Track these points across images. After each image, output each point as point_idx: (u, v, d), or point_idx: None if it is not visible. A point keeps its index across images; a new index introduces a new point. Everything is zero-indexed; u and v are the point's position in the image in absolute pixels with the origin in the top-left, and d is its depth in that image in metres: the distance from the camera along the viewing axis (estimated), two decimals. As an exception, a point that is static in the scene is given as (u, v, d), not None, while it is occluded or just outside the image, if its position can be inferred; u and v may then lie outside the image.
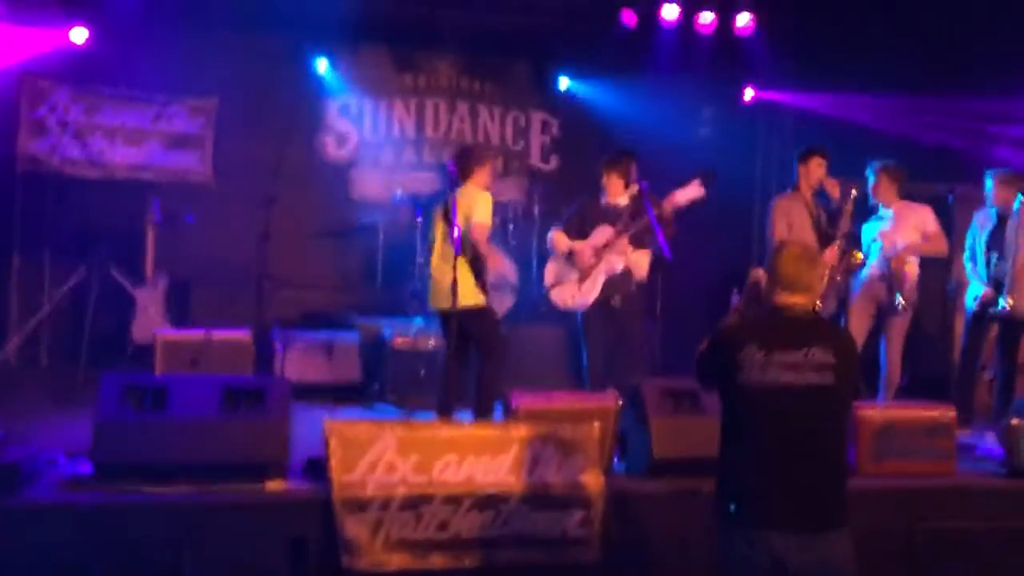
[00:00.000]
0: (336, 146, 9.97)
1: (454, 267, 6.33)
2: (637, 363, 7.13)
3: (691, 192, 7.02)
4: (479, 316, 6.59)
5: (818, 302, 3.98)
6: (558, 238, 7.34)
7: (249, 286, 8.48)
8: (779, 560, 3.62)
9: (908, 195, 7.58)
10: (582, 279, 7.21)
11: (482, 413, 6.44)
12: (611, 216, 7.20)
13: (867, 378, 7.39)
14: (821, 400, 3.68)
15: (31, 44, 8.65)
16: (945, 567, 5.61)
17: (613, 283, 7.15)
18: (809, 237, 7.52)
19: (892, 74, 8.78)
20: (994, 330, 7.52)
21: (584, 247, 7.21)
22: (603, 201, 7.30)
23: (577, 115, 10.41)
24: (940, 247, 7.53)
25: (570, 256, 7.26)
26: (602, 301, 7.16)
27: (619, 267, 7.10)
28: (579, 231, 7.27)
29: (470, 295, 6.54)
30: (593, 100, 10.30)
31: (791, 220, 7.51)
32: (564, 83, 10.44)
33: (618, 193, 7.23)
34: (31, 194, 8.96)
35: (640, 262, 7.18)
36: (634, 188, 7.20)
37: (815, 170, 7.56)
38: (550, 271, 7.38)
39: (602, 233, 7.19)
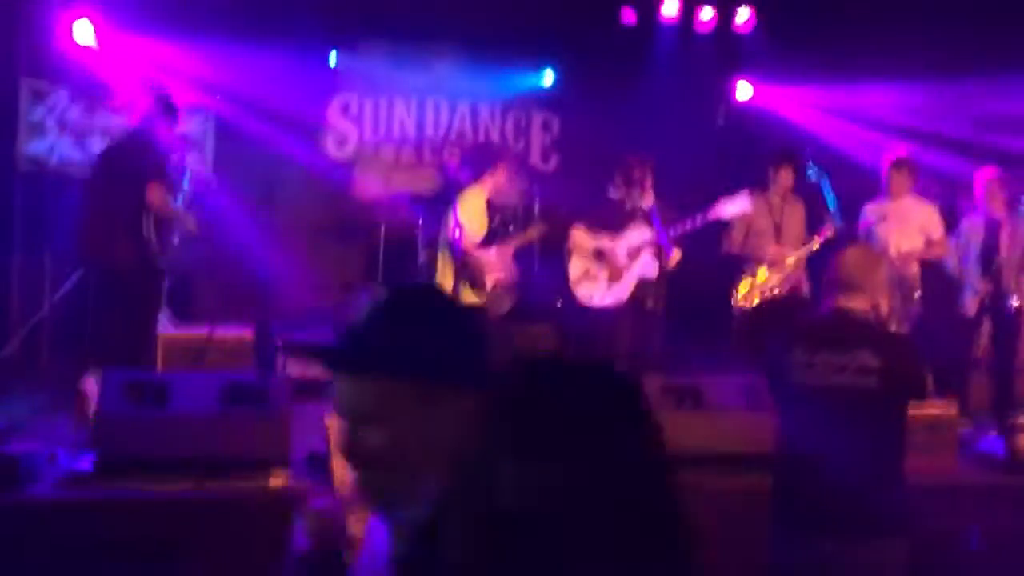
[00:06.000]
0: (336, 145, 9.96)
1: (439, 263, 6.77)
2: (656, 365, 7.09)
3: (740, 204, 7.03)
4: None
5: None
6: (582, 236, 7.25)
7: (250, 286, 8.47)
8: (827, 564, 3.59)
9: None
10: (613, 278, 7.13)
11: None
12: (640, 216, 7.11)
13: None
14: (864, 404, 3.63)
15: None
16: (946, 563, 5.60)
17: (647, 285, 7.07)
18: (768, 245, 7.55)
19: (895, 67, 8.75)
20: (988, 327, 7.52)
21: (616, 246, 7.15)
22: (629, 202, 7.21)
23: (577, 114, 10.40)
24: (942, 252, 7.54)
25: (598, 253, 7.19)
26: (633, 301, 7.10)
27: (654, 272, 6.99)
28: (604, 229, 7.21)
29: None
30: (594, 99, 10.28)
31: (750, 225, 7.52)
32: (564, 82, 10.42)
33: (647, 192, 7.12)
34: (31, 194, 8.95)
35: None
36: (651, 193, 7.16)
37: (784, 179, 7.59)
38: (576, 266, 7.26)
39: (637, 234, 7.12)
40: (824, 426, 3.66)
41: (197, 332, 7.36)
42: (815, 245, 7.52)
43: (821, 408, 3.66)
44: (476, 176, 7.05)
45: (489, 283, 7.00)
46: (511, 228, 8.90)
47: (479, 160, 7.19)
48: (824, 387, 3.64)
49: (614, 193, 7.38)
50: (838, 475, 3.61)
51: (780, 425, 3.86)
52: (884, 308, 3.88)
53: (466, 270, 6.72)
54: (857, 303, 3.77)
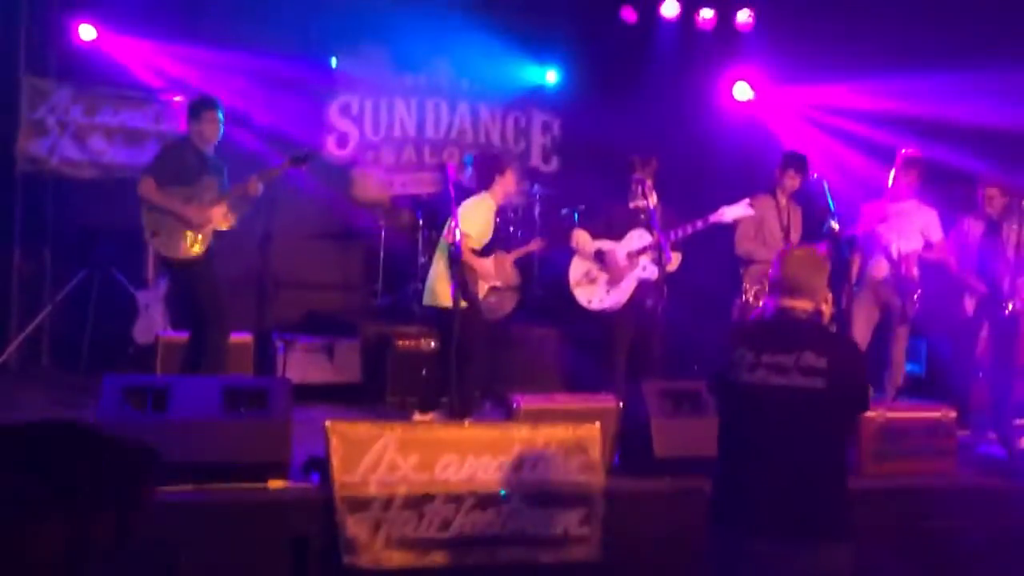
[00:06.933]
0: (337, 146, 9.96)
1: (438, 266, 6.80)
2: (657, 367, 7.10)
3: (741, 209, 7.05)
4: (449, 317, 6.61)
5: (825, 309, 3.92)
6: (583, 238, 7.27)
7: (250, 286, 8.46)
8: (762, 566, 3.55)
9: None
10: (613, 281, 7.16)
11: (455, 411, 6.46)
12: (642, 219, 7.13)
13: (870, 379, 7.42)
14: (809, 405, 3.59)
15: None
16: (946, 567, 5.61)
17: (647, 288, 7.09)
18: (776, 245, 7.57)
19: (897, 66, 8.73)
20: (986, 330, 7.51)
21: (616, 249, 7.17)
22: (632, 203, 7.22)
23: (578, 115, 10.39)
24: (941, 256, 7.54)
25: (599, 256, 7.23)
26: (633, 304, 7.13)
27: (655, 274, 7.00)
28: (606, 232, 7.24)
29: (444, 296, 6.66)
30: (594, 100, 10.28)
31: (760, 225, 7.54)
32: (565, 83, 10.43)
33: (649, 195, 7.07)
34: (31, 195, 8.95)
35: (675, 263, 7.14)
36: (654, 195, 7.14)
37: (790, 182, 7.61)
38: (576, 269, 7.27)
39: (638, 237, 7.15)
40: (766, 426, 3.63)
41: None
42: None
43: (764, 408, 3.63)
44: (485, 183, 7.06)
45: (482, 292, 7.03)
46: (512, 229, 8.93)
47: (486, 166, 7.19)
48: (768, 387, 3.62)
49: (620, 195, 7.38)
50: (777, 476, 3.59)
51: (721, 425, 3.84)
52: (827, 312, 3.88)
53: (461, 277, 6.70)
54: (801, 304, 3.76)
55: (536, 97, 10.50)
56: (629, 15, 9.74)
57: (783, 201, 7.69)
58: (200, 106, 6.96)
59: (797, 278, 3.78)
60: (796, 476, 3.59)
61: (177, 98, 8.77)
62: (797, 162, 7.68)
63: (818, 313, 3.82)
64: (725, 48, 9.89)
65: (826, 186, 7.45)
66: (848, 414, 3.79)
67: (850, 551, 3.60)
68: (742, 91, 9.93)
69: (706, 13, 9.77)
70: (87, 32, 8.75)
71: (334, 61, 9.73)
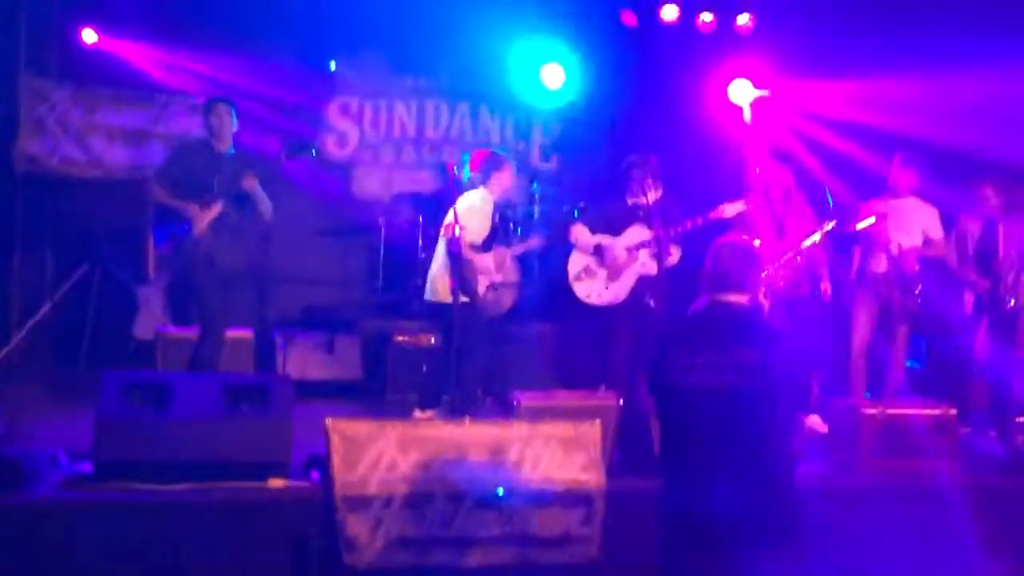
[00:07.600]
0: (337, 145, 9.95)
1: (438, 263, 6.87)
2: None
3: (741, 205, 7.09)
4: (450, 312, 6.62)
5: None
6: (582, 233, 7.28)
7: (250, 284, 8.46)
8: (709, 573, 3.50)
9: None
10: (612, 276, 7.17)
11: (455, 409, 6.46)
12: (641, 215, 7.14)
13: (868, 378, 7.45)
14: (742, 403, 3.49)
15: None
16: (947, 565, 5.61)
17: (647, 283, 7.11)
18: (769, 244, 7.56)
19: (896, 66, 8.73)
20: (986, 327, 7.50)
21: (615, 244, 7.18)
22: (630, 200, 7.25)
23: (578, 116, 10.38)
24: (940, 253, 7.53)
25: (598, 251, 7.23)
26: (632, 300, 7.14)
27: (654, 270, 7.03)
28: (605, 227, 7.25)
29: (445, 292, 6.70)
30: (594, 99, 10.27)
31: (752, 224, 7.53)
32: (566, 83, 10.40)
33: (648, 192, 7.07)
34: (31, 194, 8.95)
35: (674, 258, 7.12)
36: (659, 190, 7.14)
37: (779, 177, 7.60)
38: (575, 263, 7.28)
39: (637, 232, 7.17)
40: (703, 427, 3.53)
41: (197, 332, 7.35)
42: (816, 239, 7.46)
43: (700, 409, 3.54)
44: (483, 179, 7.11)
45: (481, 288, 7.04)
46: (512, 227, 8.92)
47: (484, 163, 7.24)
48: (702, 387, 3.52)
49: (619, 192, 7.39)
50: (717, 479, 3.48)
51: (661, 427, 3.76)
52: (766, 304, 3.79)
53: (460, 273, 6.71)
54: (735, 298, 3.67)
55: (537, 97, 10.48)
56: (629, 19, 9.73)
57: (776, 198, 7.66)
58: (211, 103, 7.00)
59: (728, 271, 3.68)
60: (737, 479, 3.48)
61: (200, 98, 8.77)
62: (784, 157, 7.69)
63: (755, 307, 3.73)
64: (725, 51, 9.87)
65: (826, 189, 7.46)
66: (785, 412, 3.63)
67: (795, 554, 3.52)
68: (741, 89, 9.89)
69: (706, 17, 9.76)
70: (89, 36, 8.76)
71: (333, 65, 9.72)
